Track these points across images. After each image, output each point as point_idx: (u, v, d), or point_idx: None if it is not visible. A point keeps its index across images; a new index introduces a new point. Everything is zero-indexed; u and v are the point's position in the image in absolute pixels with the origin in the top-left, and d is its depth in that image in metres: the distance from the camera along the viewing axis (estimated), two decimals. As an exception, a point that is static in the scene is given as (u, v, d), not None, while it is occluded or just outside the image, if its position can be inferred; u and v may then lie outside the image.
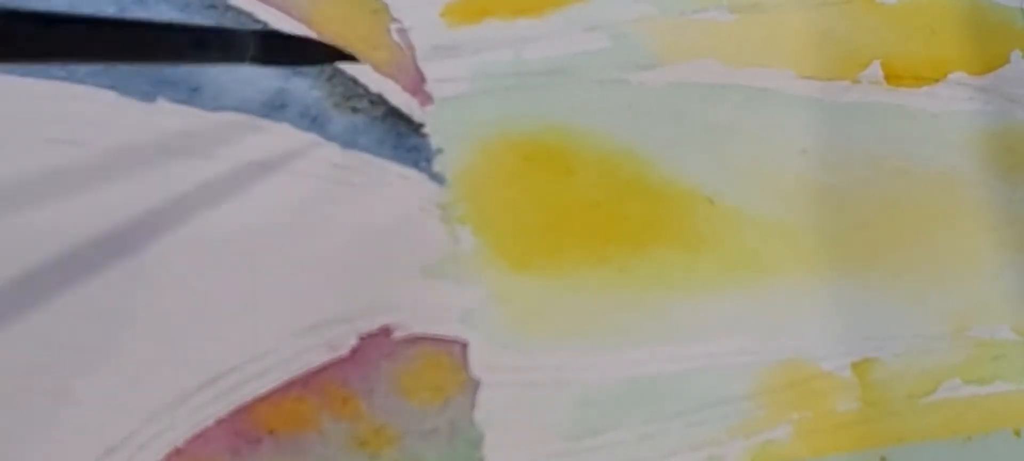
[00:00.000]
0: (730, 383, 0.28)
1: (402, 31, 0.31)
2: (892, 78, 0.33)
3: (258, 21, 0.31)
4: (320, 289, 0.28)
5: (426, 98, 0.30)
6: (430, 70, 0.31)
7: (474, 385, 0.27)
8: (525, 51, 0.31)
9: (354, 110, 0.30)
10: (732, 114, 0.31)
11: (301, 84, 0.30)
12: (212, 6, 0.31)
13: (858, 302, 0.29)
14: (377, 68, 0.31)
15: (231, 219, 0.28)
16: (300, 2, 0.31)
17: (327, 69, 0.30)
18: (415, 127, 0.30)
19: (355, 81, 0.30)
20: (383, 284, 0.28)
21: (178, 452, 0.25)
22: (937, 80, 0.33)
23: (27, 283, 0.27)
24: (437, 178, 0.29)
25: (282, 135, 0.29)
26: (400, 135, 0.30)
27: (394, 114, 0.30)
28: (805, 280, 0.30)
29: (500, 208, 0.29)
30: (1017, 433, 0.28)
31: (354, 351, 0.27)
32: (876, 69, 0.33)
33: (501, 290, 0.28)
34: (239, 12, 0.31)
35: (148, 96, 0.29)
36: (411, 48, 0.31)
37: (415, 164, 0.30)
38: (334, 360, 0.27)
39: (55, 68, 0.29)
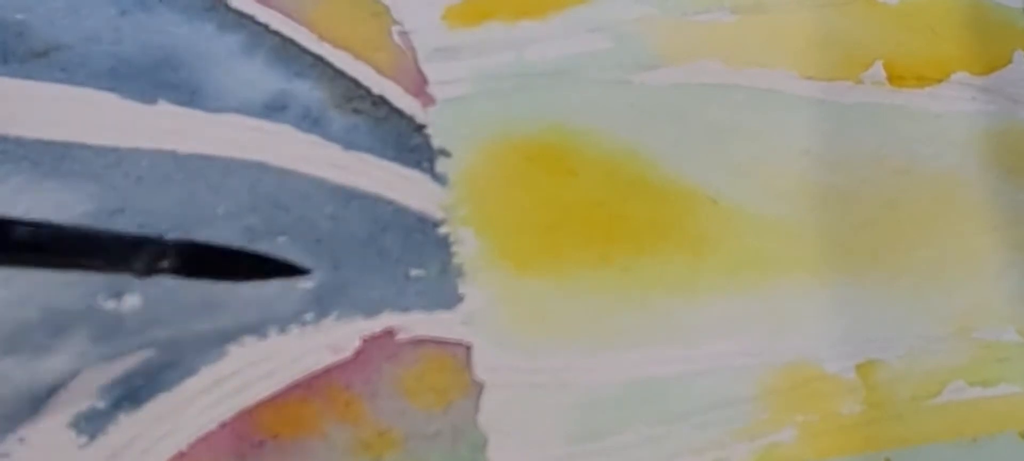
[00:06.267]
0: (734, 385, 0.28)
1: (404, 33, 0.31)
2: (894, 78, 0.33)
3: (259, 23, 0.30)
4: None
5: (428, 100, 0.30)
6: (432, 72, 0.31)
7: (478, 388, 0.27)
8: (527, 52, 0.31)
9: (356, 111, 0.30)
10: (734, 115, 0.31)
11: (302, 85, 0.30)
12: (212, 8, 0.31)
13: (862, 303, 0.29)
14: (379, 70, 0.30)
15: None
16: (301, 4, 0.31)
17: (328, 70, 0.30)
18: (417, 128, 0.30)
19: (357, 83, 0.30)
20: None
21: (181, 455, 0.25)
22: (940, 80, 0.33)
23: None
24: (439, 179, 0.29)
25: (283, 136, 0.29)
26: (402, 136, 0.30)
27: (396, 115, 0.30)
28: (808, 281, 0.29)
29: (503, 209, 0.29)
30: (1023, 435, 0.28)
31: (357, 353, 0.27)
32: (878, 69, 0.33)
33: (504, 292, 0.28)
34: (240, 14, 0.31)
35: (149, 98, 0.29)
36: (413, 50, 0.31)
37: (417, 165, 0.29)
38: (337, 363, 0.27)
39: (55, 69, 0.29)
